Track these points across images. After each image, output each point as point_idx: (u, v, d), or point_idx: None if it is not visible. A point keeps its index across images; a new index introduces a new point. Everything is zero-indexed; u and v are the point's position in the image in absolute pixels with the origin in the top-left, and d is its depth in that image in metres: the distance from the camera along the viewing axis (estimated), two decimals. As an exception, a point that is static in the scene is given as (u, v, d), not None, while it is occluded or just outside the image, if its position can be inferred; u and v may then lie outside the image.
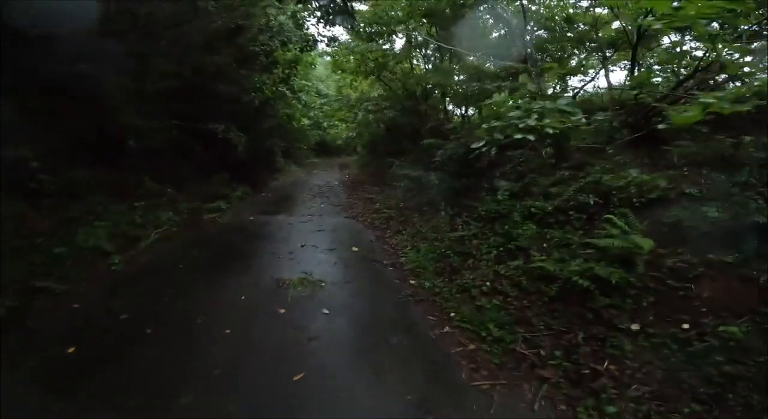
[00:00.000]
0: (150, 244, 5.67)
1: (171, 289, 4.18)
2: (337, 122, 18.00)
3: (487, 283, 4.43)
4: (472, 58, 9.41)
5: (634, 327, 3.10)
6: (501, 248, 5.03)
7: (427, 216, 7.16)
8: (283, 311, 3.80)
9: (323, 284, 4.46)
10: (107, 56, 6.41)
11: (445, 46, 7.22)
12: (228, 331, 3.37)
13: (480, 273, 4.73)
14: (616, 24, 7.80)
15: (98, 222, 5.51)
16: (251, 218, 7.40)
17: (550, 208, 5.12)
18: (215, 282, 4.39)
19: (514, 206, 5.68)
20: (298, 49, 9.46)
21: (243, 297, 4.03)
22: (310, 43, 9.20)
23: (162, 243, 5.81)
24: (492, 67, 8.98)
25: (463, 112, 11.44)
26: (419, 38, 8.63)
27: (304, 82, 14.13)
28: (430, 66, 13.28)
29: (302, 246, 5.77)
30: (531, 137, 4.26)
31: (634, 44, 6.50)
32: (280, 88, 10.48)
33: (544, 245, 4.74)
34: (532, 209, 5.24)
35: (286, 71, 9.62)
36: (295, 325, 3.54)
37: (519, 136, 4.11)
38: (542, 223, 5.00)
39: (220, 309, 3.77)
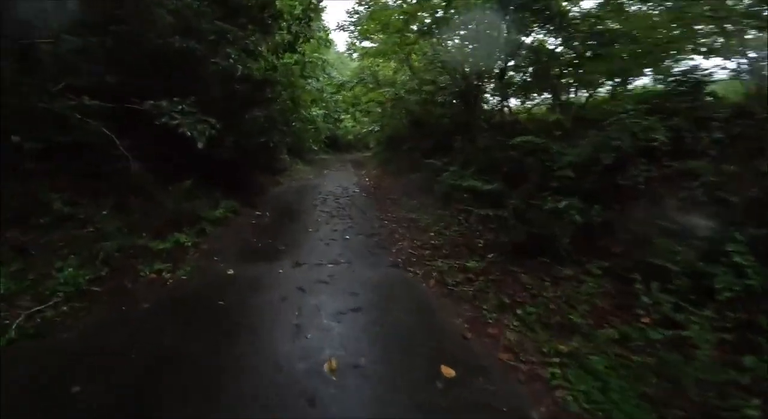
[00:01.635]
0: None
1: None
2: (356, 114, 14.66)
3: None
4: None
5: None
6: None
7: (549, 274, 3.99)
8: None
9: None
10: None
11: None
12: None
13: None
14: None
15: None
16: (230, 271, 4.19)
17: None
18: None
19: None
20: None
21: None
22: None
23: (13, 357, 2.63)
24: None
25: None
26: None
27: (317, 54, 10.84)
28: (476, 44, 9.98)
29: (331, 370, 2.59)
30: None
31: None
32: (284, 60, 7.21)
33: None
34: None
35: (294, 29, 6.37)
36: None
37: None
38: None
39: None
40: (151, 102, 3.92)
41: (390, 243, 5.39)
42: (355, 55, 13.63)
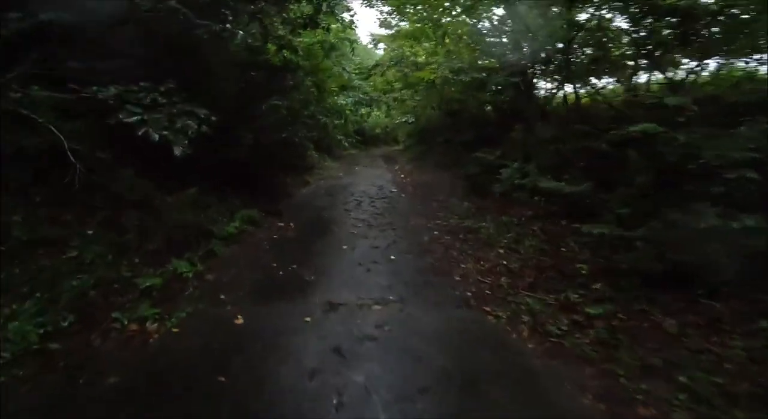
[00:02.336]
0: None
1: None
2: (388, 103, 13.32)
3: None
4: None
5: None
6: None
7: (706, 317, 2.63)
8: None
9: None
10: None
11: None
12: None
13: None
14: None
15: None
16: (238, 319, 3.03)
17: None
18: None
19: None
20: None
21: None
22: None
23: None
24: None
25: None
26: None
27: (343, 35, 9.62)
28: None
29: None
30: None
31: None
32: (305, 38, 6.00)
33: None
34: None
35: (316, -1, 5.14)
36: None
37: None
38: None
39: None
40: (95, 88, 2.77)
41: (449, 266, 4.09)
42: (380, 44, 12.37)
